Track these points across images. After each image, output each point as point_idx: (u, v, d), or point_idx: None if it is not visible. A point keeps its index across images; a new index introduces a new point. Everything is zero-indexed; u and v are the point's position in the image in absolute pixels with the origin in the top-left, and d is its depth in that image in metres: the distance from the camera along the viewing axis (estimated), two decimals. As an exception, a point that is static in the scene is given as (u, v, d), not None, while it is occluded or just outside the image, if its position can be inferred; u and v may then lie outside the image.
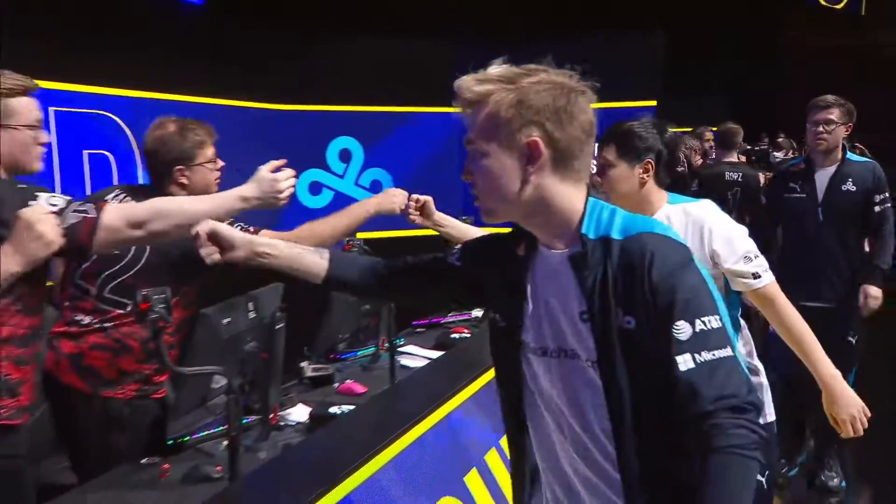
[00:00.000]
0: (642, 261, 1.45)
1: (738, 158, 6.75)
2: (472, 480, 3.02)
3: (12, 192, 2.46)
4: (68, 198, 2.64)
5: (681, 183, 6.26)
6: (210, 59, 7.54)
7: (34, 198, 2.48)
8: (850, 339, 4.14)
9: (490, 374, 3.19)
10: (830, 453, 4.49)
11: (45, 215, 2.32)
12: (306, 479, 2.42)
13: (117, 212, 2.64)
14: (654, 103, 6.99)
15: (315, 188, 9.23)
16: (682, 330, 1.41)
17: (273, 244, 1.94)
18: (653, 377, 1.49)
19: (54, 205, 2.46)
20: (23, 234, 2.24)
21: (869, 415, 2.50)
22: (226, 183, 3.21)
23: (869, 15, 11.48)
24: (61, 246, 2.32)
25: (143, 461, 2.67)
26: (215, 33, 7.58)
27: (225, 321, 2.67)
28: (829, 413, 2.55)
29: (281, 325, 3.01)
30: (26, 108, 2.58)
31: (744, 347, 2.60)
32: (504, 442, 2.52)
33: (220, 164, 3.24)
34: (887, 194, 4.14)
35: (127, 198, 2.94)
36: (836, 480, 4.41)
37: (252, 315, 2.84)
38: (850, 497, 4.47)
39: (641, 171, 2.60)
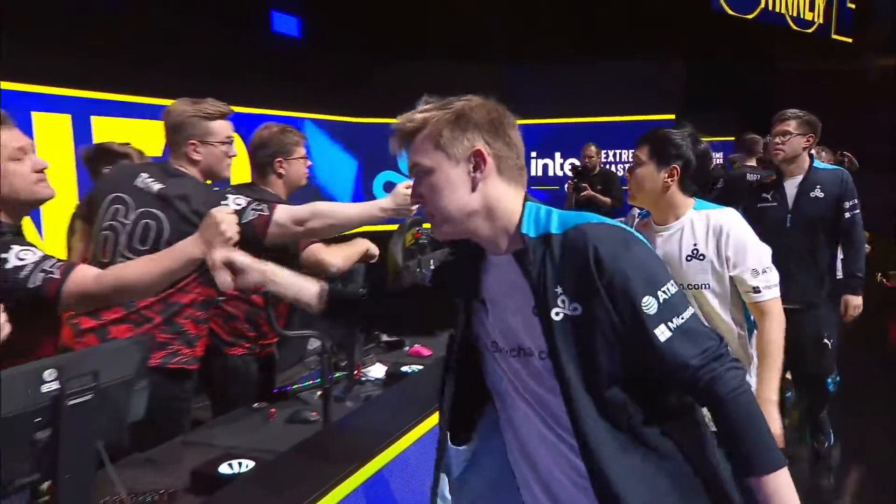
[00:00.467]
0: (585, 250, 1.38)
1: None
2: None
3: (207, 192, 2.68)
4: (249, 199, 2.76)
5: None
6: (308, 80, 7.65)
7: (224, 198, 2.70)
8: (826, 340, 3.96)
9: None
10: (817, 425, 4.41)
11: (228, 214, 2.40)
12: (384, 426, 2.43)
13: (286, 211, 2.77)
14: (672, 116, 6.90)
15: (388, 187, 9.22)
16: (650, 305, 1.37)
17: (278, 273, 1.84)
18: (610, 359, 1.42)
19: (238, 205, 2.65)
20: (209, 228, 2.36)
21: (782, 445, 2.38)
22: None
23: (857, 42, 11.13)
24: (238, 239, 2.39)
25: (255, 406, 2.80)
26: (311, 62, 7.70)
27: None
28: None
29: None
30: (222, 128, 2.79)
31: (756, 357, 2.51)
32: None
33: (308, 162, 3.30)
34: (856, 201, 3.91)
35: (239, 197, 2.86)
36: (825, 446, 4.33)
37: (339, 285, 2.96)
38: (836, 454, 4.42)
39: (667, 175, 2.46)
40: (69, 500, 1.65)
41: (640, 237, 1.48)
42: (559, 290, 1.40)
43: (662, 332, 1.35)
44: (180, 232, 2.56)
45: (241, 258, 1.80)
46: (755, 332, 2.48)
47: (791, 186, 3.96)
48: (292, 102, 7.31)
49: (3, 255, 2.14)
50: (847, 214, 3.87)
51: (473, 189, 1.44)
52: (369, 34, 8.35)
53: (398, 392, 2.92)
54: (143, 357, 2.02)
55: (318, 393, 2.61)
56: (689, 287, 2.33)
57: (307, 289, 1.82)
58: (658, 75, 7.82)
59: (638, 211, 2.75)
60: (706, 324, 1.44)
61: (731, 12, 8.11)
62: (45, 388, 1.63)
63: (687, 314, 1.40)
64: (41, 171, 2.17)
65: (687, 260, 2.35)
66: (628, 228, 1.48)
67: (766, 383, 2.40)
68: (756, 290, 2.35)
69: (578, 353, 1.41)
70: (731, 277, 2.37)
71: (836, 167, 4.16)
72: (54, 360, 1.70)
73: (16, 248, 2.15)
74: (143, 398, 2.06)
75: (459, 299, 1.64)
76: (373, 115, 8.40)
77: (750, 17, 8.58)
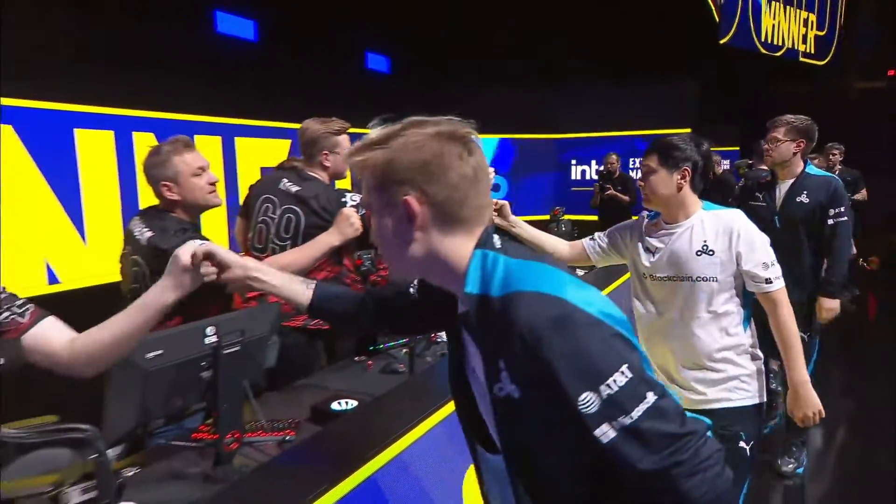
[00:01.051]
0: (515, 327, 0.98)
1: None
2: None
3: (331, 192, 2.81)
4: (360, 195, 2.77)
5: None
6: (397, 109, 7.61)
7: (344, 196, 2.79)
8: (803, 335, 3.21)
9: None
10: (797, 441, 3.80)
11: (354, 211, 2.61)
12: None
13: None
14: (689, 130, 6.99)
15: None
16: (589, 402, 0.96)
17: (264, 270, 1.57)
18: (555, 454, 1.07)
19: (354, 200, 2.77)
20: (342, 221, 2.61)
21: (824, 415, 2.30)
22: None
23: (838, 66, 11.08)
24: (362, 229, 2.60)
25: (356, 359, 2.87)
26: (399, 95, 7.56)
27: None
28: (790, 409, 2.36)
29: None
30: (345, 141, 2.90)
31: (750, 339, 2.35)
32: None
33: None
34: (843, 209, 3.52)
35: (354, 195, 2.90)
36: (790, 466, 3.74)
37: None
38: (805, 482, 3.78)
39: (679, 177, 2.34)
40: (226, 423, 1.74)
41: (592, 310, 1.00)
42: (502, 364, 1.03)
43: (605, 434, 0.96)
44: (312, 223, 2.72)
45: (224, 253, 1.53)
46: (751, 319, 2.37)
47: (782, 189, 3.67)
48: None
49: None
50: (830, 221, 3.50)
51: (409, 240, 1.11)
52: (450, 67, 8.37)
53: None
54: (275, 320, 2.09)
55: (405, 350, 2.66)
56: (698, 279, 2.27)
57: (298, 289, 1.57)
58: (674, 96, 7.78)
59: (647, 212, 2.64)
60: (678, 412, 1.01)
61: (726, 43, 8.26)
62: (207, 341, 1.75)
63: (639, 411, 0.96)
64: (213, 184, 2.34)
65: (697, 255, 2.27)
66: (571, 301, 1.00)
67: (794, 367, 2.29)
68: (768, 280, 2.24)
69: (519, 440, 1.08)
70: (742, 272, 2.25)
71: (829, 175, 3.73)
72: (214, 321, 1.80)
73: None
74: (275, 350, 2.19)
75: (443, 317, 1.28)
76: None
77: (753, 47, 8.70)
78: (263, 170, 5.84)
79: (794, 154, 3.58)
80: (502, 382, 1.04)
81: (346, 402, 2.19)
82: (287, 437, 1.98)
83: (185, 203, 2.32)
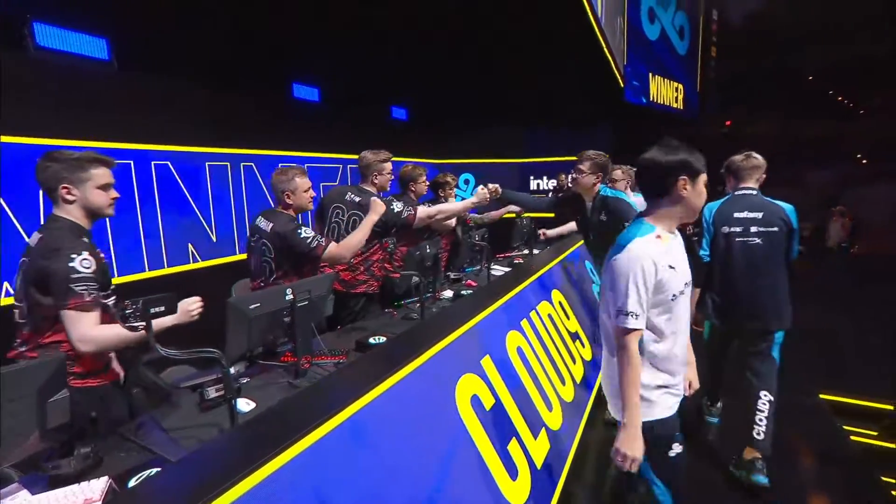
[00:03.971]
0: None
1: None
2: (486, 363, 2.25)
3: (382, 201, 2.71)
4: (403, 202, 2.87)
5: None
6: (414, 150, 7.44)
7: (391, 203, 2.81)
8: None
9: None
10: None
11: (378, 199, 2.62)
12: (457, 320, 2.31)
13: (423, 211, 2.93)
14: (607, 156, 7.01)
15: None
16: None
17: None
18: None
19: (398, 207, 2.81)
20: (373, 205, 2.64)
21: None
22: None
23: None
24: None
25: (385, 311, 2.83)
26: (418, 137, 7.57)
27: (416, 253, 2.72)
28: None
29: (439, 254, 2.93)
30: (389, 165, 2.91)
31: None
32: (510, 336, 2.48)
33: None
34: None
35: (399, 202, 2.93)
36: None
37: (429, 250, 2.81)
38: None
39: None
40: (301, 351, 1.84)
41: None
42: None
43: None
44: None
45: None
46: None
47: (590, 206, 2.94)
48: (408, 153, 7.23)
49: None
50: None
51: None
52: (463, 110, 8.18)
53: (461, 303, 2.82)
54: (330, 284, 2.12)
55: (417, 304, 2.62)
56: (687, 284, 1.55)
57: None
58: (595, 134, 7.95)
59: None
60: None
61: (626, 99, 8.59)
62: (287, 297, 1.82)
63: None
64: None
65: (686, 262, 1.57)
66: None
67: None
68: None
69: None
70: None
71: (618, 194, 2.91)
72: (290, 285, 1.88)
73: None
74: (331, 304, 2.33)
75: None
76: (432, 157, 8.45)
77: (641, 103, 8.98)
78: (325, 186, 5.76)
79: (594, 184, 2.89)
80: None
81: (378, 339, 2.22)
82: (340, 361, 2.03)
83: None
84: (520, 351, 2.58)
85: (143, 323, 1.31)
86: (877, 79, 15.10)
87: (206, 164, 4.44)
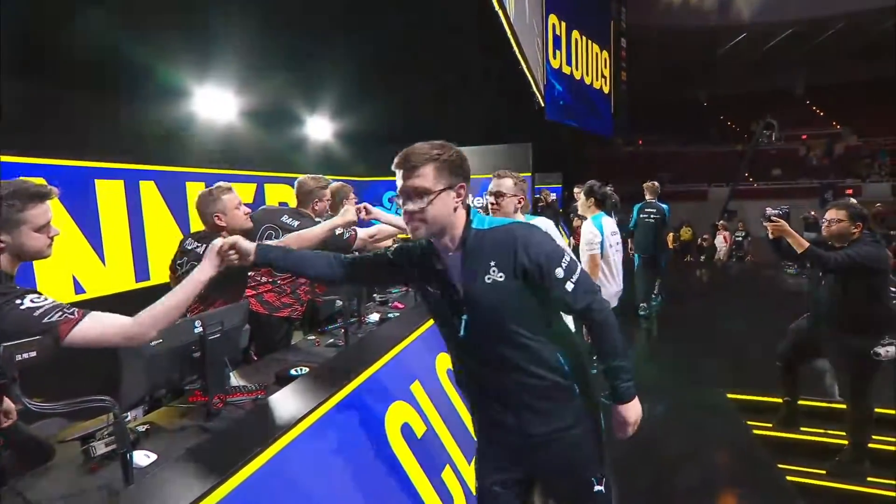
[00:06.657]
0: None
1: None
2: (416, 389, 2.28)
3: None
4: (343, 228, 2.54)
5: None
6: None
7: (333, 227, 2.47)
8: None
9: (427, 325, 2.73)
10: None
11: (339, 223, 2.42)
12: (378, 346, 2.35)
13: (363, 232, 2.80)
14: (530, 174, 7.33)
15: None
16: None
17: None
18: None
19: (341, 230, 2.55)
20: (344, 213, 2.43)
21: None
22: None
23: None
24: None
25: (308, 338, 2.70)
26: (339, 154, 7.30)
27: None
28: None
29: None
30: (329, 192, 2.88)
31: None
32: (440, 359, 2.52)
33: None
34: None
35: (340, 228, 2.61)
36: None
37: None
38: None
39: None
40: (213, 388, 1.70)
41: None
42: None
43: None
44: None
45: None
46: None
47: None
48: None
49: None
50: None
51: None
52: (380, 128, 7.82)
53: (388, 327, 2.83)
54: (245, 315, 1.96)
55: (342, 330, 2.55)
56: None
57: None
58: (518, 151, 8.10)
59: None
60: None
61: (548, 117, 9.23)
62: (196, 330, 1.68)
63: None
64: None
65: None
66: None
67: None
68: None
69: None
70: None
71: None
72: (198, 317, 1.73)
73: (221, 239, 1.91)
74: (246, 335, 2.13)
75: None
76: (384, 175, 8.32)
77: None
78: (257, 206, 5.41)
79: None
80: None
81: (301, 370, 2.12)
82: (259, 397, 1.91)
83: None
84: (450, 374, 2.53)
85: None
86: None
87: (95, 180, 4.00)
